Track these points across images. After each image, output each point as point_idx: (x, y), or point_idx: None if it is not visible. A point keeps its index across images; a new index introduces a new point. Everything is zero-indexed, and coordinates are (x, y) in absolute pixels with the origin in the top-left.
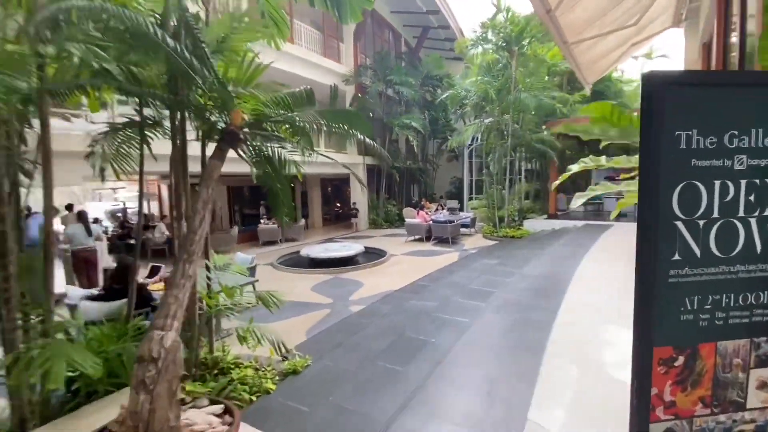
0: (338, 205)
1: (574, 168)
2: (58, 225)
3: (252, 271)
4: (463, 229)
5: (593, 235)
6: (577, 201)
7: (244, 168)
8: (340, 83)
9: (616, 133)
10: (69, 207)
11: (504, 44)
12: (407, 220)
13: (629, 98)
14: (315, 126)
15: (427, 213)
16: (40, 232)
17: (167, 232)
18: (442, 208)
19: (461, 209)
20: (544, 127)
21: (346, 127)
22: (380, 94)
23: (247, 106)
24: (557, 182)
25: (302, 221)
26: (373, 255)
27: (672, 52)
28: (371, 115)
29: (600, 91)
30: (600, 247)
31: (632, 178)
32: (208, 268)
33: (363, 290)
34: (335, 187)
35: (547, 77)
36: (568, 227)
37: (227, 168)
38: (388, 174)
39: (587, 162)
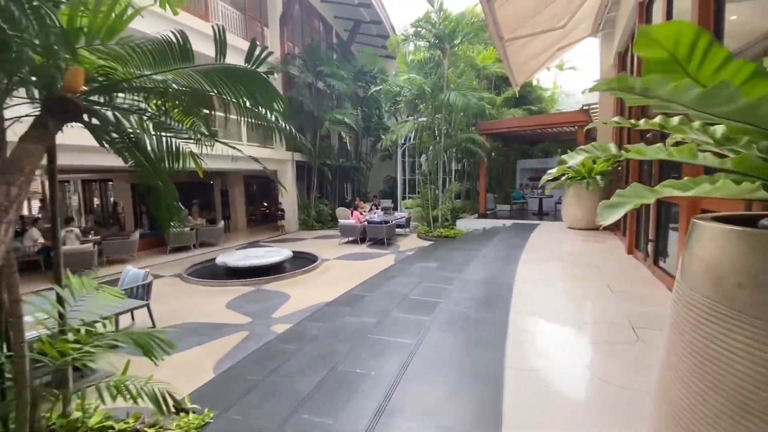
0: (265, 204)
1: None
2: None
3: (145, 289)
4: (398, 230)
5: (523, 234)
6: (607, 216)
7: None
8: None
9: (697, 98)
10: None
11: (437, 41)
12: (341, 221)
13: (547, 103)
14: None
15: (361, 213)
16: None
17: (41, 239)
18: (377, 208)
19: (395, 209)
20: (473, 128)
21: (245, 98)
22: (310, 86)
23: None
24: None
25: (221, 223)
26: (303, 261)
27: (583, 65)
28: (301, 106)
29: (523, 95)
30: (532, 247)
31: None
32: (60, 300)
33: (289, 304)
34: (262, 185)
35: (476, 81)
36: (497, 226)
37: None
38: (320, 172)
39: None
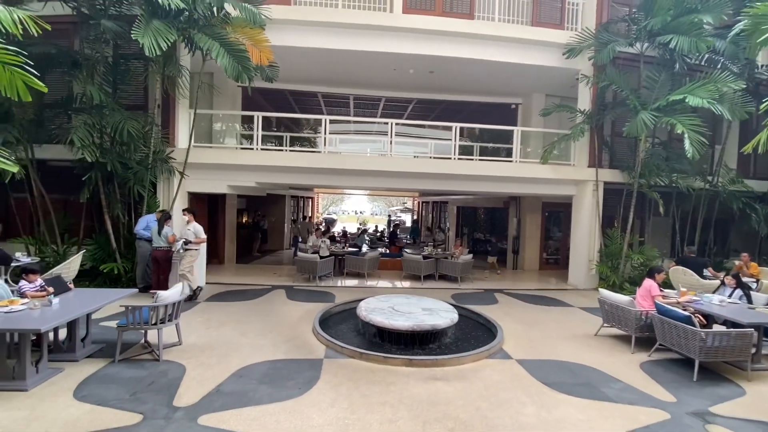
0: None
1: None
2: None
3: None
4: None
5: None
6: None
7: None
8: (558, 59)
9: None
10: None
11: None
12: (602, 291)
13: None
14: None
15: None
16: None
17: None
18: (736, 284)
19: None
20: None
21: None
22: (636, 60)
23: None
24: None
25: (468, 256)
26: (471, 337)
27: None
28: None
29: None
30: None
31: None
32: None
33: None
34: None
35: None
36: None
37: None
38: (649, 199)
39: None
